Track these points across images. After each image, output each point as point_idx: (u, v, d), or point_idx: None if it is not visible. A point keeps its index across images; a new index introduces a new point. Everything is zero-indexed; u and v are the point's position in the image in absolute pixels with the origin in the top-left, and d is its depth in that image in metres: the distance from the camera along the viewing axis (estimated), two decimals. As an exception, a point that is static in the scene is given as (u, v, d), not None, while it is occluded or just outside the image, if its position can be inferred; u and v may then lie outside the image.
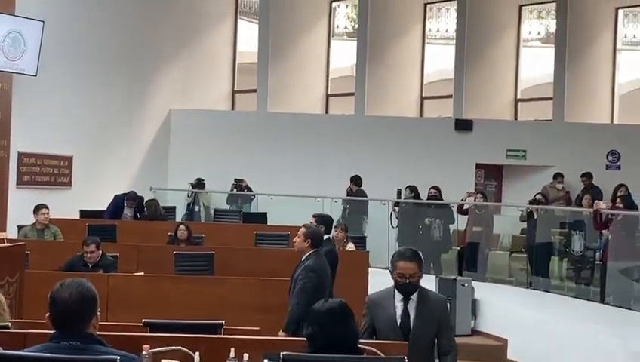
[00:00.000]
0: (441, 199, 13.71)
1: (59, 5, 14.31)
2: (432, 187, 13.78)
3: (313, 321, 3.95)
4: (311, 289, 6.81)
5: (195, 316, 8.08)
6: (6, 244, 7.54)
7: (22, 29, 13.12)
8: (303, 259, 7.01)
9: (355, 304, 9.84)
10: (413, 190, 14.08)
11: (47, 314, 3.07)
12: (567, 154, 15.56)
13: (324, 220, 8.31)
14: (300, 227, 11.48)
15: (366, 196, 14.66)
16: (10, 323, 5.05)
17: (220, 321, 4.96)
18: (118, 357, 2.97)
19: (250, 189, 15.73)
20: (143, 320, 5.07)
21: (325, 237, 8.11)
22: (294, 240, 7.16)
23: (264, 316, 7.94)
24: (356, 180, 14.72)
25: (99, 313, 3.10)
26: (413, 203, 14.03)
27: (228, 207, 15.56)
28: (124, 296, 8.40)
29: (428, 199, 13.77)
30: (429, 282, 11.31)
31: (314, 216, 8.52)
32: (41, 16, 13.31)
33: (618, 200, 10.80)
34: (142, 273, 9.18)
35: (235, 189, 15.75)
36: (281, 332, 6.69)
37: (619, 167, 15.66)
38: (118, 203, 13.14)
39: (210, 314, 8.15)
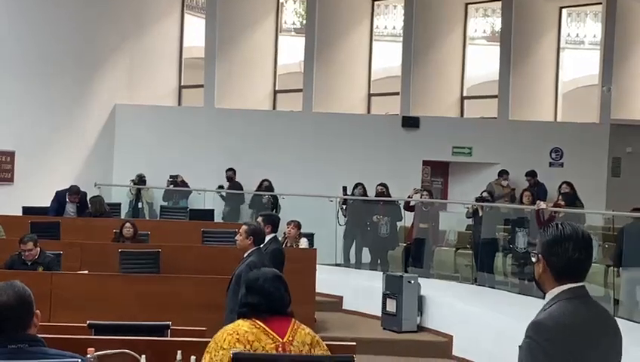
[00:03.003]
0: (389, 196, 13.78)
1: (2, 2, 14.01)
2: (380, 184, 13.85)
3: (258, 288, 3.85)
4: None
5: (141, 315, 8.03)
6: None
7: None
8: (245, 256, 6.99)
9: (303, 301, 9.92)
10: (363, 187, 14.13)
11: None
12: (511, 151, 15.79)
13: (270, 220, 8.28)
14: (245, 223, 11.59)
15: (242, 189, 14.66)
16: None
17: (167, 323, 4.90)
18: (80, 359, 2.95)
19: (186, 184, 15.63)
20: (88, 322, 4.99)
21: (272, 235, 8.10)
22: (236, 238, 7.14)
23: (211, 315, 7.85)
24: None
25: (38, 311, 3.06)
26: (361, 200, 14.07)
27: (165, 203, 15.43)
28: (68, 295, 8.29)
29: (375, 196, 13.82)
30: (376, 279, 11.46)
31: (260, 216, 8.50)
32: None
33: (560, 197, 10.98)
34: (86, 271, 9.04)
35: (171, 185, 15.64)
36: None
37: (562, 164, 15.95)
38: (60, 199, 12.91)
39: (156, 313, 8.10)
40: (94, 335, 4.83)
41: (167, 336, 4.99)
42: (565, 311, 2.77)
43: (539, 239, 2.90)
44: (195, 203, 15.38)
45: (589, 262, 2.85)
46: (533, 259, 2.90)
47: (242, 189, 15.60)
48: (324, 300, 11.39)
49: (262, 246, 7.18)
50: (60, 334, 4.85)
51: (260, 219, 8.25)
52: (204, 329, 5.72)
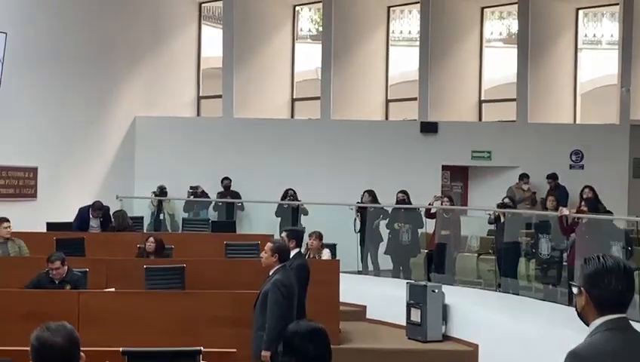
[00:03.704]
0: (410, 203, 13.78)
1: (21, 17, 14.18)
2: (400, 191, 13.84)
3: (292, 346, 3.56)
4: (284, 302, 6.87)
5: (169, 334, 8.12)
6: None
7: (-17, 41, 12.98)
8: (270, 273, 7.04)
9: (327, 313, 9.98)
10: (371, 194, 14.12)
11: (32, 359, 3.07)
12: (531, 154, 15.76)
13: (295, 234, 8.33)
14: (268, 235, 11.65)
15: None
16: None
17: (198, 348, 4.95)
18: None
19: (206, 195, 15.73)
20: (121, 349, 5.04)
21: (296, 250, 8.14)
22: (261, 255, 7.19)
23: (237, 329, 7.96)
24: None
25: (83, 355, 3.13)
26: (379, 207, 14.07)
27: (186, 215, 15.53)
28: (96, 314, 8.34)
29: (396, 203, 13.82)
30: (399, 287, 11.48)
31: (284, 231, 8.55)
32: (4, 28, 13.15)
33: (583, 203, 10.95)
34: (112, 289, 9.11)
35: (191, 196, 15.74)
36: (263, 353, 6.70)
37: (582, 166, 15.91)
38: (83, 215, 13.02)
39: (184, 331, 8.19)
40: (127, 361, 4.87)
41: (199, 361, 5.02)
42: (603, 340, 2.82)
43: (580, 271, 2.93)
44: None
45: (631, 293, 2.89)
46: (575, 291, 2.94)
47: (240, 198, 15.67)
48: (348, 309, 11.40)
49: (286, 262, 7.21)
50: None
51: (284, 234, 8.30)
52: (234, 350, 5.78)
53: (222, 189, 15.91)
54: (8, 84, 13.38)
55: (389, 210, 13.87)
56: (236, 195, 15.82)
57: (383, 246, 13.73)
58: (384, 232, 13.74)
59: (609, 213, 11.66)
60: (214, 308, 8.44)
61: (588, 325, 2.93)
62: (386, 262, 13.78)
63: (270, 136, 16.50)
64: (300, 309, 7.52)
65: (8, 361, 5.19)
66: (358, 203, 14.12)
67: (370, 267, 13.84)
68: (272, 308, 6.80)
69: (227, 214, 15.45)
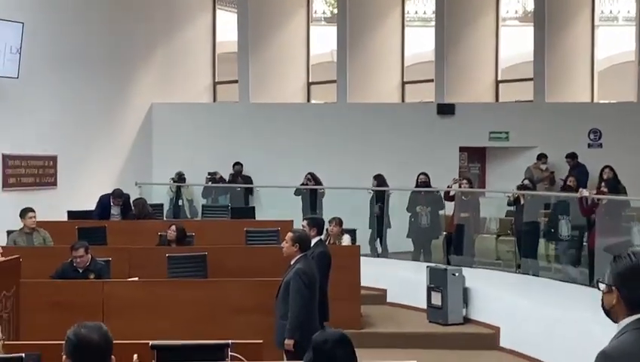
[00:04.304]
0: (430, 185, 13.76)
1: (37, 7, 14.22)
2: (422, 173, 13.83)
3: (324, 354, 3.71)
4: (306, 291, 6.93)
5: (192, 321, 8.19)
6: (1, 259, 7.52)
7: (1, 31, 13.02)
8: (292, 263, 7.10)
9: (349, 298, 10.02)
10: (377, 178, 14.10)
11: (65, 356, 3.14)
12: (549, 134, 15.72)
13: (315, 222, 8.38)
14: (287, 221, 11.69)
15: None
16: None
17: (227, 341, 5.01)
18: None
19: (224, 180, 15.79)
20: (150, 343, 5.11)
21: (317, 238, 8.18)
22: (282, 245, 7.24)
23: (260, 317, 8.02)
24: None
25: (114, 357, 3.22)
26: (399, 190, 14.08)
27: (205, 201, 15.59)
28: (120, 304, 8.42)
29: (418, 186, 13.81)
30: (419, 270, 11.52)
31: (305, 219, 8.60)
32: (20, 18, 13.22)
33: (603, 184, 10.93)
34: (136, 278, 9.20)
35: (210, 182, 15.81)
36: (287, 341, 6.76)
37: (600, 145, 15.85)
38: (104, 203, 13.09)
39: (207, 318, 8.27)
40: (157, 355, 4.94)
41: (227, 355, 5.09)
42: (632, 340, 2.83)
43: (610, 269, 2.94)
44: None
45: None
46: (602, 288, 2.95)
47: (252, 182, 15.73)
48: (368, 293, 11.47)
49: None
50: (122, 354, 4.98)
51: (305, 222, 8.35)
52: (261, 341, 5.83)
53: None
54: (26, 74, 13.46)
55: (407, 193, 13.82)
56: (248, 180, 15.87)
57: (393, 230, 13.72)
58: (399, 216, 13.71)
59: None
60: (238, 296, 8.50)
61: (616, 322, 2.95)
62: (401, 244, 13.72)
63: (287, 121, 16.53)
64: (322, 296, 7.59)
65: (37, 356, 5.27)
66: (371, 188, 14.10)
67: (379, 250, 13.82)
68: (295, 297, 6.86)
69: (244, 200, 15.49)
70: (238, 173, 15.95)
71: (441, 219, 13.60)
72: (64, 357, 3.15)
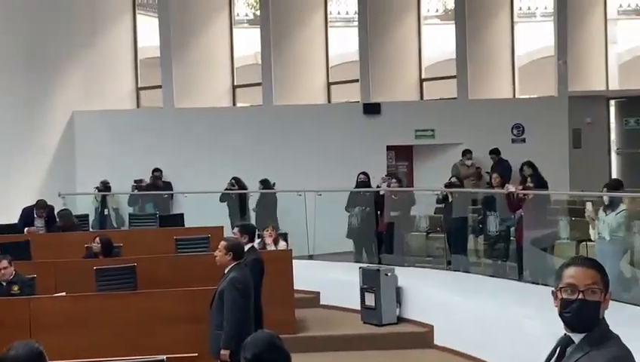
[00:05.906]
0: (370, 185, 13.76)
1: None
2: (361, 173, 13.84)
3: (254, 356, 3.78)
4: (242, 301, 6.86)
5: (124, 334, 8.02)
6: None
7: None
8: (225, 271, 7.00)
9: (282, 303, 9.95)
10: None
11: None
12: (473, 130, 15.93)
13: (247, 229, 8.31)
14: (217, 227, 11.57)
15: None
16: None
17: (161, 357, 4.87)
18: None
19: (167, 186, 15.57)
20: (81, 365, 4.94)
21: (250, 245, 8.11)
22: (215, 253, 7.15)
23: (194, 327, 7.90)
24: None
25: None
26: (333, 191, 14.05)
27: (131, 209, 15.31)
28: (48, 321, 8.18)
29: (357, 186, 13.82)
30: (351, 271, 11.51)
31: (237, 226, 8.51)
32: None
33: (528, 179, 11.11)
34: (64, 293, 8.94)
35: (135, 190, 15.54)
36: (222, 351, 6.67)
37: (524, 140, 16.15)
38: (27, 215, 12.73)
39: (140, 331, 8.10)
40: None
41: (162, 372, 4.97)
42: None
43: None
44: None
45: None
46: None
47: (172, 189, 15.57)
48: (301, 296, 11.42)
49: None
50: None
51: (236, 229, 8.27)
52: (196, 354, 5.73)
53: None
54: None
55: (339, 193, 13.80)
56: (168, 186, 15.65)
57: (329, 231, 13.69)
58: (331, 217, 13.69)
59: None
60: (170, 307, 8.35)
61: None
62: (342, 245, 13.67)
63: (212, 125, 16.30)
64: (256, 302, 7.53)
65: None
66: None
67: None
68: (230, 307, 6.78)
69: (162, 208, 15.19)
70: (158, 179, 15.67)
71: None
72: None
